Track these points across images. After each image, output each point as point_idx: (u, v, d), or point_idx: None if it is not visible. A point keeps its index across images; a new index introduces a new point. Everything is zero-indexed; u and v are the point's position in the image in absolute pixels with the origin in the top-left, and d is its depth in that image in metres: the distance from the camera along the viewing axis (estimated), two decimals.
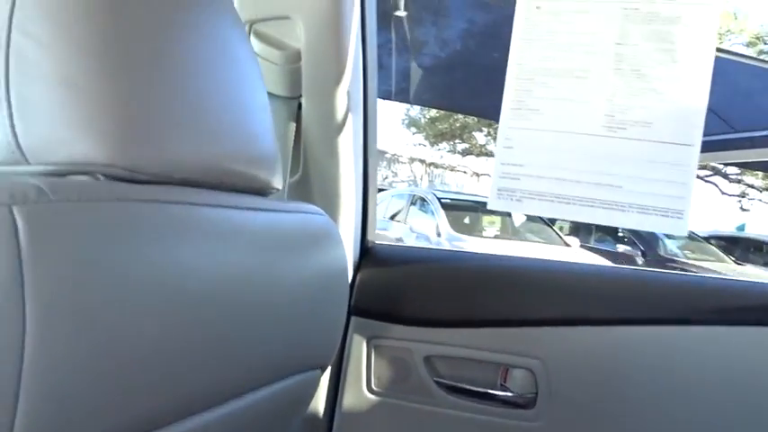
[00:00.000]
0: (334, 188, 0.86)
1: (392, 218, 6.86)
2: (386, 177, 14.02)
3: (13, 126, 0.42)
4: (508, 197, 0.73)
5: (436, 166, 14.73)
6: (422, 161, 14.57)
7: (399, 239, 6.31)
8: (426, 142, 13.92)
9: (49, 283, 0.35)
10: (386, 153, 13.57)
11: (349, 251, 0.88)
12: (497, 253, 0.93)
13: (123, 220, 0.40)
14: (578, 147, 0.70)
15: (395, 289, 0.89)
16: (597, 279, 0.86)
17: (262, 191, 0.58)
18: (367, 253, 0.94)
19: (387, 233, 6.50)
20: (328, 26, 0.79)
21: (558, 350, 0.82)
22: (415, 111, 13.39)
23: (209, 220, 0.47)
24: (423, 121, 13.61)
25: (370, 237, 0.96)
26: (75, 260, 0.36)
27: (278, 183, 0.60)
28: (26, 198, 0.35)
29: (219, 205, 0.49)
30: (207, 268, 0.46)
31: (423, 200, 6.60)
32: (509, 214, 6.73)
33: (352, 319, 0.89)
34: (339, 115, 0.83)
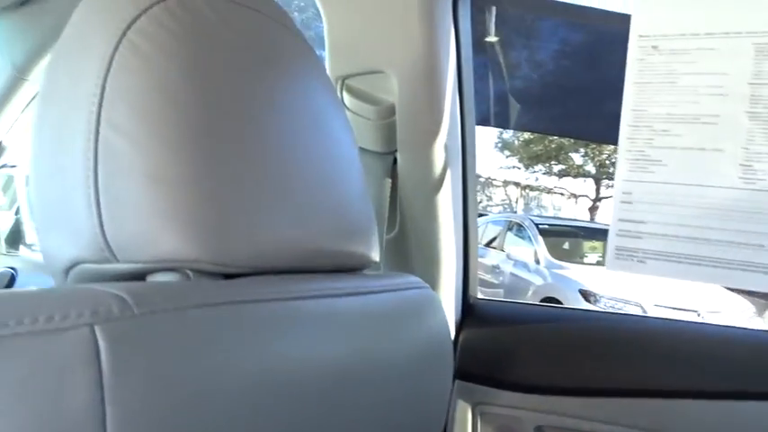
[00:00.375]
0: (434, 244, 0.82)
1: (488, 244, 6.73)
2: (480, 201, 13.85)
3: (101, 222, 0.40)
4: (629, 257, 0.66)
5: (531, 188, 14.41)
6: (516, 184, 14.30)
7: (496, 267, 6.17)
8: (521, 165, 13.67)
9: (132, 413, 0.32)
10: (480, 177, 13.43)
11: (450, 310, 0.83)
12: (617, 312, 0.85)
13: (213, 326, 0.37)
14: (710, 201, 0.62)
15: (501, 350, 0.83)
16: (736, 345, 0.76)
17: (359, 267, 0.55)
18: (469, 310, 0.89)
19: (483, 260, 6.37)
20: (423, 79, 0.75)
21: (687, 426, 0.73)
22: (509, 133, 13.20)
23: (304, 313, 0.44)
24: (516, 143, 13.39)
25: (471, 292, 0.90)
26: (161, 381, 0.33)
27: (376, 255, 0.56)
28: (109, 314, 0.33)
29: (315, 296, 0.45)
30: (303, 362, 0.43)
31: (519, 225, 6.43)
32: None
33: (456, 382, 0.84)
34: (437, 170, 0.78)
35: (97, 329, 0.32)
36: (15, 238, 1.54)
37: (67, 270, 0.44)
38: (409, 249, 0.82)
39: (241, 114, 0.43)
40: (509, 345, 0.83)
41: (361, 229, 0.54)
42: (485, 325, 0.86)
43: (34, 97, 1.30)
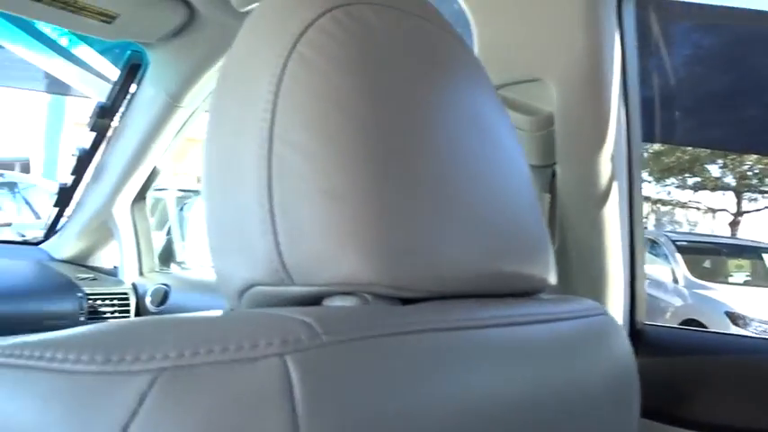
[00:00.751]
0: (598, 263, 0.75)
1: None
2: None
3: (277, 243, 0.38)
4: None
5: (663, 202, 13.59)
6: (647, 198, 13.55)
7: None
8: (651, 178, 12.93)
9: None
10: None
11: None
12: None
13: (402, 355, 0.35)
14: None
15: (682, 384, 0.74)
16: None
17: (536, 290, 0.50)
18: (639, 337, 0.81)
19: None
20: (586, 86, 0.70)
21: None
22: None
23: (490, 341, 0.40)
24: (645, 155, 12.71)
25: (638, 317, 0.82)
26: (355, 415, 0.31)
27: (553, 278, 0.52)
28: (298, 343, 0.30)
29: (500, 323, 0.42)
30: (490, 394, 0.39)
31: (654, 242, 6.05)
32: (760, 256, 5.90)
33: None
34: (602, 183, 0.72)
35: (288, 359, 0.30)
36: (167, 257, 1.63)
37: (242, 292, 0.43)
38: (571, 269, 0.76)
39: (414, 127, 0.41)
40: (691, 378, 0.74)
41: (537, 248, 0.49)
42: (660, 353, 0.78)
43: (186, 122, 1.37)
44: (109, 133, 1.45)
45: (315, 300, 0.40)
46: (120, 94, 1.37)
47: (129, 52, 1.32)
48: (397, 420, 0.32)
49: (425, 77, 0.43)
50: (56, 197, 1.57)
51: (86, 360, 0.29)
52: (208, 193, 0.44)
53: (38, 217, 5.30)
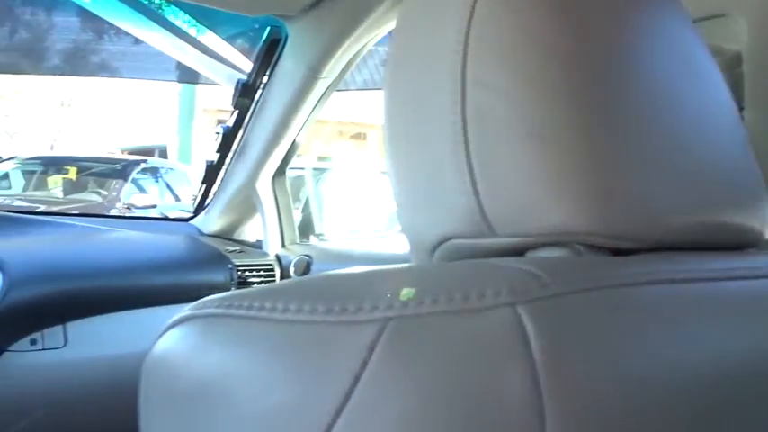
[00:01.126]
0: None
1: None
2: None
3: (476, 192, 0.36)
4: None
5: None
6: None
7: None
8: None
9: (572, 409, 0.27)
10: None
11: None
12: None
13: (632, 307, 0.32)
14: None
15: None
16: None
17: (748, 244, 0.45)
18: None
19: None
20: None
21: None
22: None
23: (721, 294, 0.36)
24: None
25: None
26: (595, 370, 0.28)
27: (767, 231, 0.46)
28: (528, 293, 0.28)
29: (729, 277, 0.37)
30: (720, 351, 0.35)
31: None
32: None
33: None
34: None
35: (520, 309, 0.27)
36: (305, 229, 1.68)
37: (435, 247, 0.41)
38: None
39: (618, 63, 0.37)
40: None
41: (753, 197, 0.44)
42: None
43: (324, 94, 1.39)
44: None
45: (518, 252, 0.38)
46: (260, 70, 1.41)
47: (268, 28, 1.35)
48: (628, 373, 0.30)
49: (624, 7, 0.39)
50: (203, 175, 1.65)
51: (308, 310, 0.28)
52: (393, 145, 0.43)
53: (177, 199, 5.68)
